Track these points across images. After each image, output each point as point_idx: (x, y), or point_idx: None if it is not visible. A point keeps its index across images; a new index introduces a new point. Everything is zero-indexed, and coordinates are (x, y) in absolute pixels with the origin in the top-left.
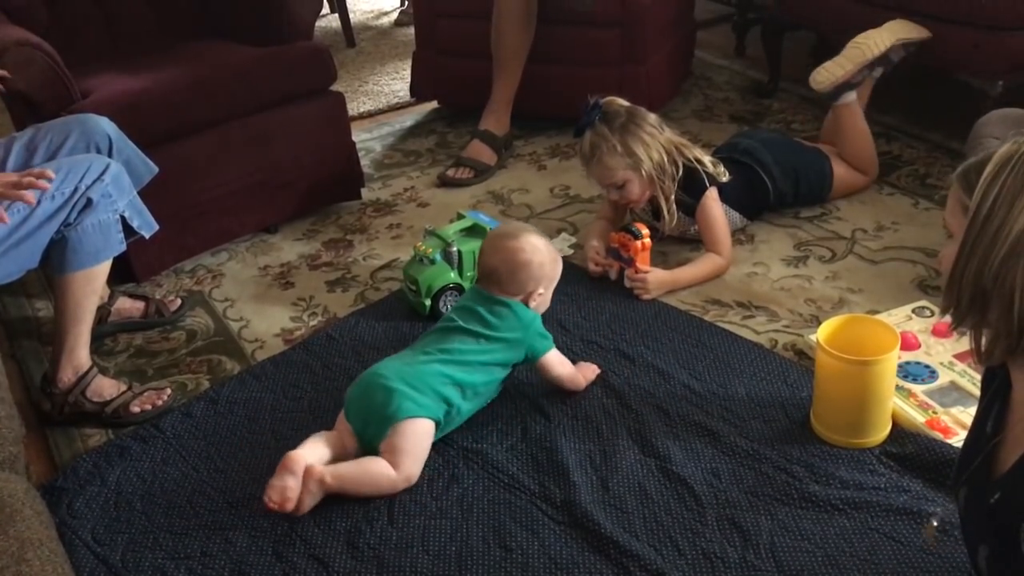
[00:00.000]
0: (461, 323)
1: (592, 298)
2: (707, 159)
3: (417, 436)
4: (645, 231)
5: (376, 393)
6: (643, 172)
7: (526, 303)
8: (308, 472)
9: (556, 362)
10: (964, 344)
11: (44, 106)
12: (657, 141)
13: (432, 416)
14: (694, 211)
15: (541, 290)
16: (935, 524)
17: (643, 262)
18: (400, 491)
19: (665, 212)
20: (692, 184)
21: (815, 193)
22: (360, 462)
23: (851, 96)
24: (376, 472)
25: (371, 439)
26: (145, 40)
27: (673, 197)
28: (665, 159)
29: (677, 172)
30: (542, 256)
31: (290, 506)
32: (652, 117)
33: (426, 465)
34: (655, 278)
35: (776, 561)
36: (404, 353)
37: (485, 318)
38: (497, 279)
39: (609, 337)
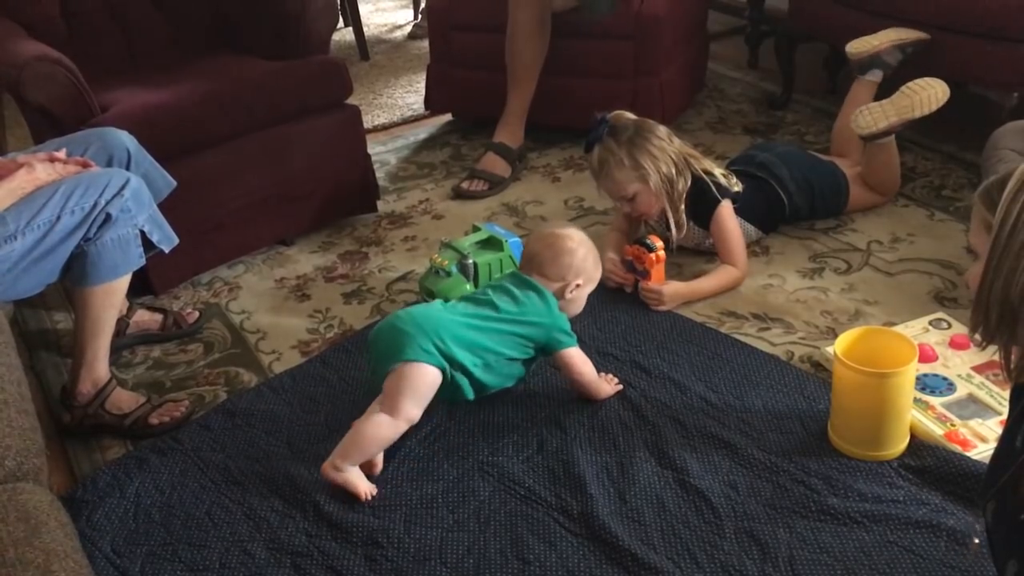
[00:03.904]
0: (491, 295)
1: (607, 310)
2: (718, 171)
3: (417, 379)
4: (659, 244)
5: (388, 334)
6: (651, 184)
7: (562, 294)
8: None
9: (579, 360)
10: (982, 356)
11: (64, 120)
12: (666, 153)
13: (436, 364)
14: (708, 224)
15: (580, 281)
16: (977, 541)
17: (658, 274)
18: (404, 432)
19: (672, 224)
20: (704, 197)
21: (830, 208)
22: (353, 432)
23: (878, 75)
24: (371, 431)
25: (381, 379)
26: (162, 54)
27: (682, 209)
28: (674, 171)
29: (687, 184)
30: (586, 250)
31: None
32: (661, 129)
33: (441, 479)
34: (670, 290)
35: (795, 574)
36: (432, 304)
37: (514, 294)
38: (539, 262)
39: (625, 349)
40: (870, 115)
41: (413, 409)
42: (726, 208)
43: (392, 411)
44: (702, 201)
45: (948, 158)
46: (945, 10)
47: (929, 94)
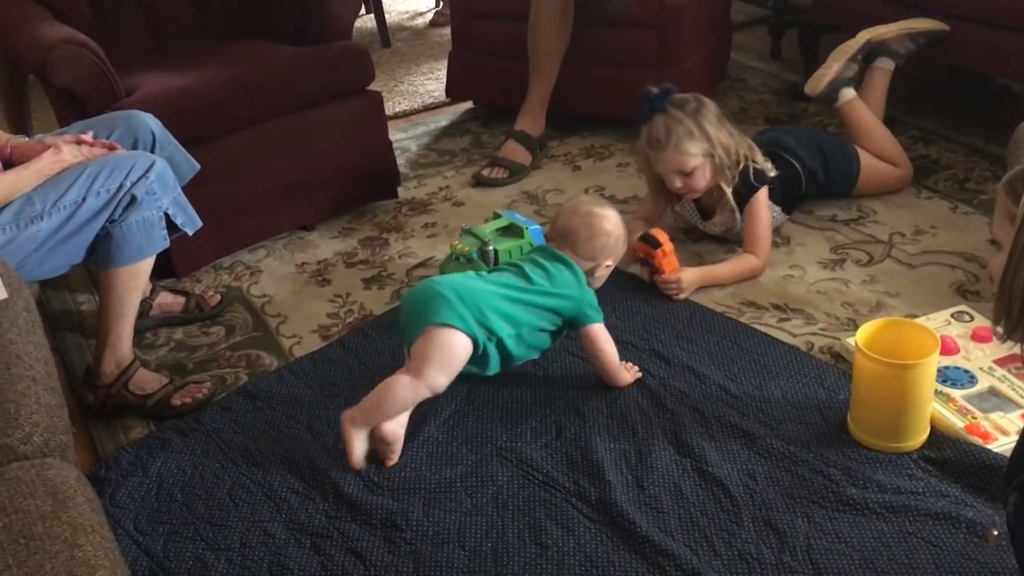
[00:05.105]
0: (524, 267)
1: (627, 299)
2: (759, 155)
3: (448, 345)
4: (663, 237)
5: (425, 296)
6: (716, 158)
7: (592, 273)
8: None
9: (603, 337)
10: (1004, 350)
11: (89, 103)
12: (724, 129)
13: (469, 332)
14: (742, 208)
15: (609, 262)
16: (995, 533)
17: (670, 265)
18: (425, 398)
19: (730, 201)
20: (744, 180)
21: (845, 172)
22: (377, 390)
23: (850, 92)
24: (389, 390)
25: (411, 342)
26: (187, 39)
27: (731, 189)
28: (733, 147)
29: (739, 163)
30: (620, 232)
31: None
32: (715, 105)
33: (460, 463)
34: (687, 276)
35: (812, 563)
36: (467, 273)
37: (546, 267)
38: (574, 240)
39: (644, 338)
40: (816, 75)
41: (439, 377)
42: (763, 195)
43: (416, 373)
44: (743, 184)
45: (972, 151)
46: (968, 0)
47: (857, 40)
